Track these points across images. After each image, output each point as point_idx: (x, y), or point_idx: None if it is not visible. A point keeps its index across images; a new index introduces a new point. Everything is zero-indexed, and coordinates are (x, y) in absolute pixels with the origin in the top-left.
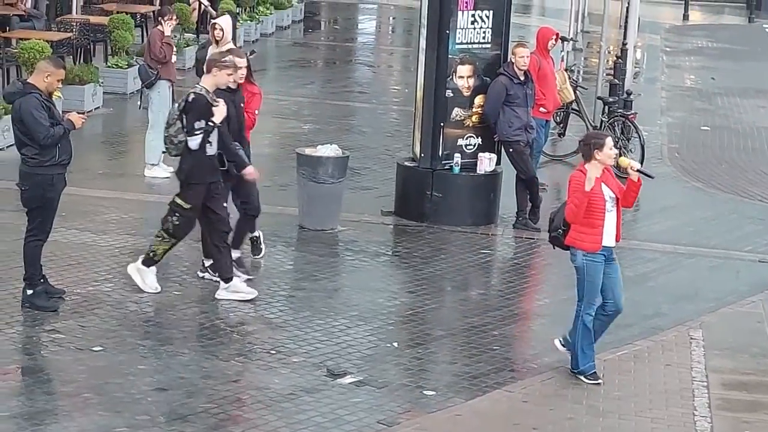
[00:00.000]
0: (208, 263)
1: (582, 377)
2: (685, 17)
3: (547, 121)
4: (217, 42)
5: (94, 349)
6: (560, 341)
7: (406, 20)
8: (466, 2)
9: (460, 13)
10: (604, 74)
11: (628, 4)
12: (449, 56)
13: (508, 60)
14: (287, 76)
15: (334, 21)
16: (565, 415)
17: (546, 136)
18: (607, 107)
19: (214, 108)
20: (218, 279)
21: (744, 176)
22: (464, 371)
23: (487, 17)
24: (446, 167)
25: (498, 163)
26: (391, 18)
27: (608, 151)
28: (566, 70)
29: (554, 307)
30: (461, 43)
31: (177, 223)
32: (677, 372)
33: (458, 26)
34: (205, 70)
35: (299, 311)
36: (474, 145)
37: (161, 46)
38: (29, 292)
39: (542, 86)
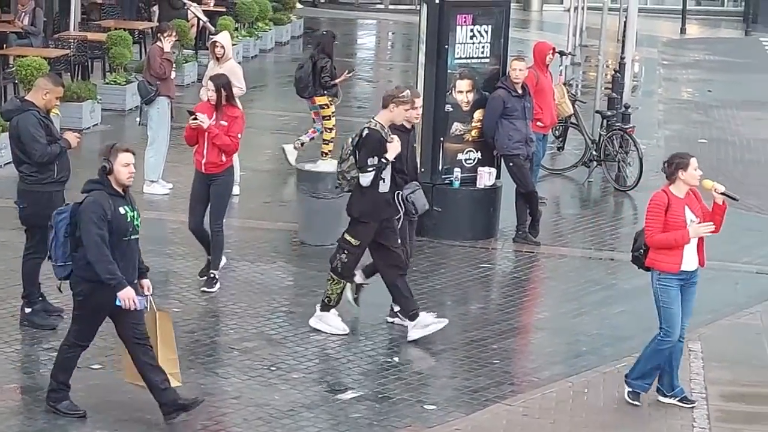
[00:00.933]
0: (397, 308)
1: (631, 389)
2: (683, 31)
3: (544, 134)
4: (218, 59)
5: (93, 367)
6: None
7: (405, 35)
8: (465, 17)
9: (459, 28)
10: (603, 88)
11: (626, 18)
12: (448, 71)
13: (507, 74)
14: (287, 92)
15: (333, 36)
16: (564, 428)
17: (544, 150)
18: (605, 121)
19: (388, 144)
20: (406, 321)
21: (741, 188)
22: (464, 385)
23: (486, 32)
24: (446, 182)
25: (498, 177)
26: (390, 33)
27: (693, 171)
28: (565, 84)
29: (554, 321)
30: (460, 58)
31: (345, 260)
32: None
33: (457, 41)
34: (381, 104)
35: (299, 327)
36: (474, 160)
37: (161, 63)
38: (27, 310)
39: (539, 100)
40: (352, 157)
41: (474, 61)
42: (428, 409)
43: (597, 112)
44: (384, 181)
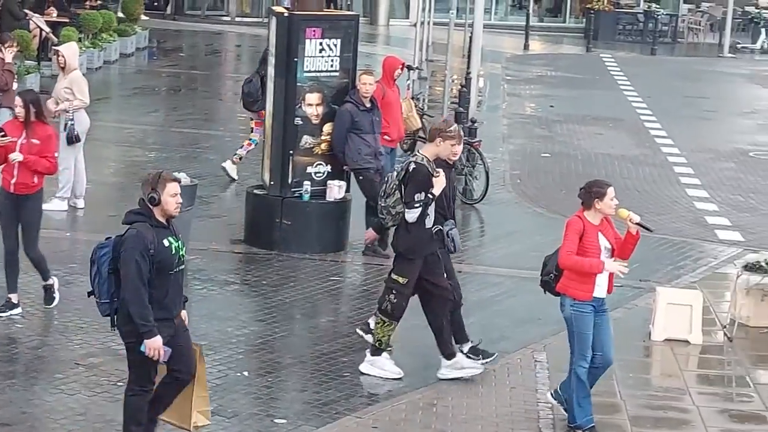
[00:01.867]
0: (467, 347)
1: None
2: (526, 47)
3: (392, 148)
4: (62, 69)
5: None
6: (551, 394)
7: (252, 48)
8: (314, 31)
9: (307, 41)
10: (449, 102)
11: (471, 33)
12: (298, 84)
13: (355, 87)
14: (131, 104)
15: (179, 49)
16: None
17: (392, 164)
18: None
19: (434, 179)
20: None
21: None
22: (315, 398)
23: (335, 45)
24: (296, 195)
25: (347, 190)
26: (237, 46)
27: (609, 201)
28: (412, 98)
29: (403, 333)
30: (309, 71)
31: (395, 301)
32: (522, 394)
33: (306, 54)
34: (427, 138)
35: None
36: (323, 173)
37: (2, 74)
38: None
39: (387, 114)
40: (397, 191)
41: (323, 74)
42: (278, 423)
43: None
44: (429, 216)
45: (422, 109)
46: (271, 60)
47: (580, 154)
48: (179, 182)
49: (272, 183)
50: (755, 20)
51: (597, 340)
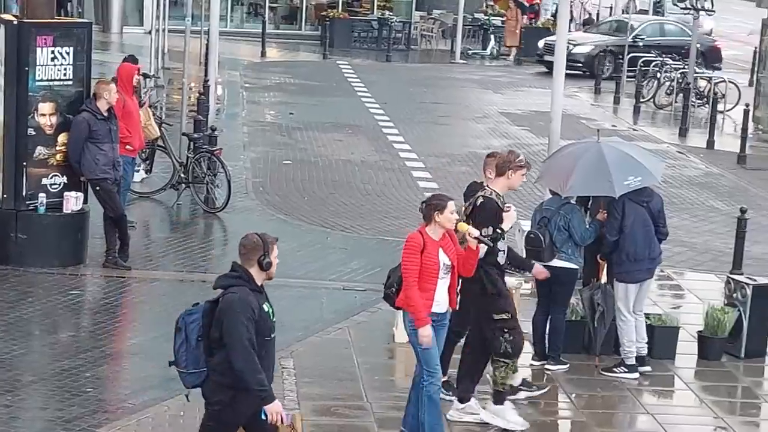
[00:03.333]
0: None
1: None
2: (263, 54)
3: (133, 158)
4: None
5: None
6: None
7: None
8: (45, 38)
9: (39, 49)
10: (188, 110)
11: (208, 41)
12: (30, 94)
13: (91, 96)
14: None
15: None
16: None
17: (133, 174)
18: (192, 143)
19: (504, 213)
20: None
21: (326, 207)
22: (57, 416)
23: (68, 54)
24: (31, 207)
25: (85, 201)
26: None
27: (449, 214)
28: (150, 106)
29: (148, 345)
30: (42, 80)
31: (511, 338)
32: None
33: (38, 63)
34: (494, 172)
35: None
36: (59, 184)
37: None
38: None
39: (127, 124)
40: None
41: (56, 83)
42: None
43: (184, 134)
44: (503, 253)
45: (161, 118)
46: (1, 69)
47: (321, 161)
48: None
49: (5, 196)
50: (484, 27)
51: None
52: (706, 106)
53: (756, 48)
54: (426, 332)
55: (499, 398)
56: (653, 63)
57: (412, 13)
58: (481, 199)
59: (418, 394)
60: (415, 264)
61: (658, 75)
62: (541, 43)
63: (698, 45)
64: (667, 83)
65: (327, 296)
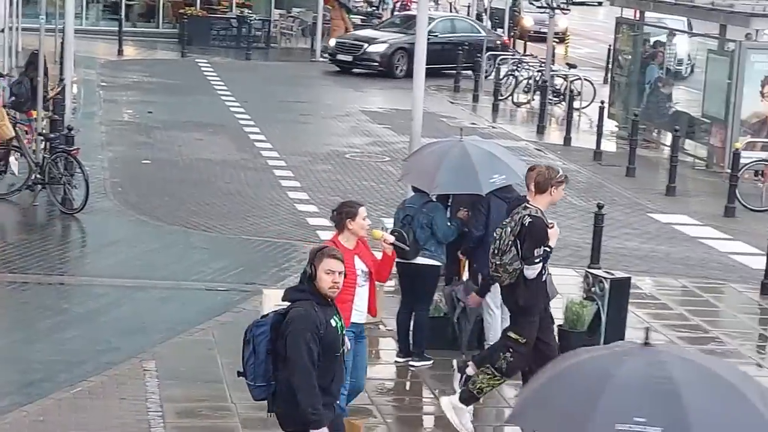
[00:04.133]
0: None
1: None
2: (120, 52)
3: None
4: None
5: None
6: None
7: None
8: None
9: None
10: (43, 110)
11: (63, 39)
12: None
13: None
14: None
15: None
16: None
17: None
18: (48, 143)
19: (549, 231)
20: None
21: (187, 207)
22: None
23: None
24: None
25: None
26: None
27: (361, 221)
28: (4, 106)
29: (5, 350)
30: None
31: (511, 360)
32: (133, 405)
33: None
34: (534, 189)
35: None
36: None
37: None
38: None
39: None
40: (513, 248)
41: None
42: None
43: (40, 134)
44: (546, 271)
45: (15, 118)
46: None
47: (181, 161)
48: (341, 261)
49: None
50: None
51: (351, 365)
52: (563, 103)
53: (610, 46)
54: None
55: (467, 399)
56: (500, 57)
57: (271, 11)
58: (528, 219)
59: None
60: None
61: (516, 73)
62: (332, 42)
63: (489, 41)
64: (525, 81)
65: (190, 297)
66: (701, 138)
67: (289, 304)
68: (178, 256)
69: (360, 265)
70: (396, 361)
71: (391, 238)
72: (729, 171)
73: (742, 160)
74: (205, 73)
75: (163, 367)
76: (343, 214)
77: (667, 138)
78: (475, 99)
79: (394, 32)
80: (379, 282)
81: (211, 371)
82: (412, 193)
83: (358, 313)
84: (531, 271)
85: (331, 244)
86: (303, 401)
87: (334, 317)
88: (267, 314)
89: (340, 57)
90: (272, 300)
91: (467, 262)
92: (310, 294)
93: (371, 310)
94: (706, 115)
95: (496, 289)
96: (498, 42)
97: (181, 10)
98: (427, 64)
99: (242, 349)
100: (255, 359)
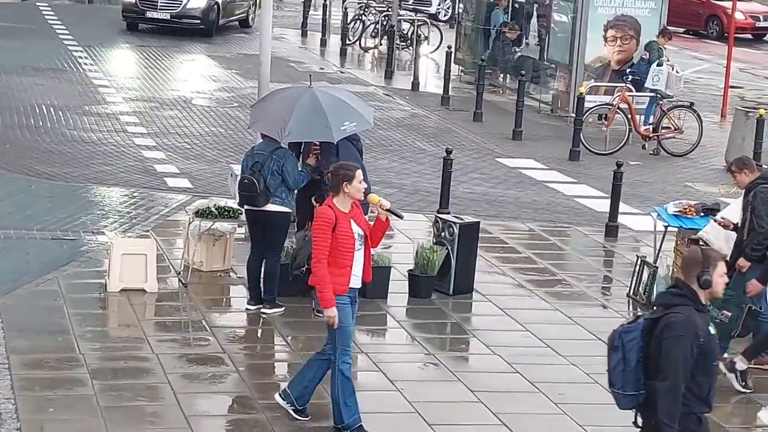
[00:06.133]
0: None
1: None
2: None
3: None
4: None
5: None
6: (280, 395)
7: None
8: None
9: None
10: None
11: None
12: None
13: None
14: None
15: None
16: None
17: None
18: None
19: None
20: None
21: (30, 155)
22: None
23: None
24: None
25: None
26: None
27: (357, 184)
28: None
29: None
30: None
31: None
32: None
33: None
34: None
35: None
36: None
37: None
38: None
39: None
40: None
41: None
42: None
43: None
44: None
45: None
46: None
47: (22, 106)
48: (727, 262)
49: None
50: None
51: None
52: (410, 48)
53: None
54: (332, 313)
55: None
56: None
57: None
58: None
59: (325, 369)
60: (327, 241)
61: (363, 17)
62: None
63: None
64: (372, 26)
65: (34, 247)
66: (546, 83)
67: (659, 308)
68: (20, 204)
69: (356, 229)
70: (247, 309)
71: (387, 204)
72: (573, 115)
73: (586, 105)
74: (47, 17)
75: (8, 319)
76: (339, 177)
77: (513, 83)
78: (323, 44)
79: None
80: (372, 247)
81: (58, 322)
82: (261, 140)
83: (355, 278)
84: None
85: (327, 210)
86: (662, 409)
87: (711, 324)
88: (635, 320)
89: (152, 15)
90: (120, 248)
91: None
92: (691, 300)
93: (366, 274)
94: (551, 59)
95: None
96: None
97: None
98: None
99: (608, 356)
100: (625, 366)
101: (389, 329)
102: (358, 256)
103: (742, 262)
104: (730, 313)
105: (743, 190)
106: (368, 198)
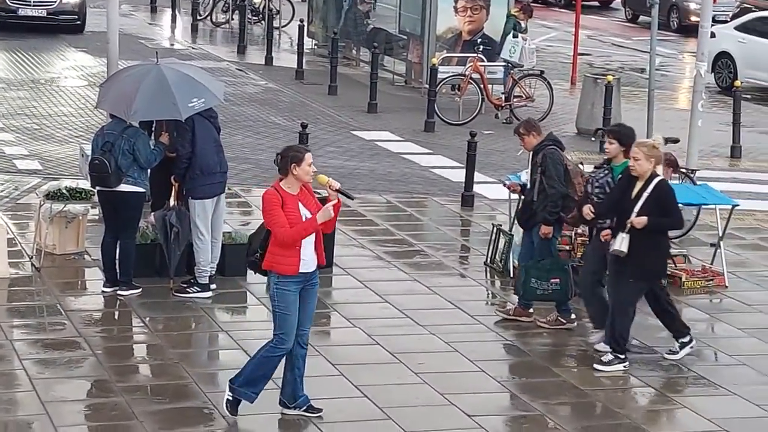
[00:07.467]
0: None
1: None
2: None
3: None
4: None
5: None
6: (283, 407)
7: None
8: None
9: None
10: None
11: None
12: None
13: None
14: None
15: None
16: None
17: None
18: None
19: None
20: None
21: None
22: None
23: None
24: None
25: None
26: None
27: (306, 167)
28: None
29: None
30: None
31: None
32: None
33: None
34: None
35: None
36: None
37: None
38: None
39: None
40: None
41: None
42: None
43: None
44: None
45: None
46: None
47: None
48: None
49: None
50: None
51: (303, 315)
52: (262, 22)
53: None
54: (328, 212)
55: None
56: None
57: None
58: None
59: (294, 358)
60: (281, 217)
61: None
62: None
63: None
64: (222, 1)
65: None
66: (399, 54)
67: None
68: None
69: (305, 212)
70: (103, 292)
71: (337, 185)
72: (427, 86)
73: (439, 75)
74: None
75: None
76: (288, 159)
77: (367, 55)
78: (174, 20)
79: None
80: (324, 233)
81: None
82: (111, 119)
83: (305, 263)
84: None
85: (272, 191)
86: None
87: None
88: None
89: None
90: None
91: (178, 186)
92: None
93: (319, 258)
94: (403, 31)
95: (205, 209)
96: None
97: None
98: None
99: None
100: None
101: (250, 306)
102: (307, 241)
103: (545, 230)
104: (558, 279)
105: (531, 152)
106: (317, 179)
